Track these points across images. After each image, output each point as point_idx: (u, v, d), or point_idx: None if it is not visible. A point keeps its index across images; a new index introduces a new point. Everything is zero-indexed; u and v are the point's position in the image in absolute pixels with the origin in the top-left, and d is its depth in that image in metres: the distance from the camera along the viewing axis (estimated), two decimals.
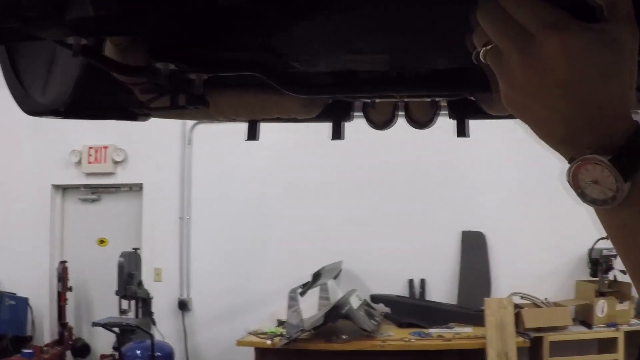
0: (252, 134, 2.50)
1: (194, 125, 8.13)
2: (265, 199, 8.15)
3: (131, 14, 1.36)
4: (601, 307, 7.54)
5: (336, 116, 2.44)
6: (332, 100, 2.23)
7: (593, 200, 0.81)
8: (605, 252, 7.75)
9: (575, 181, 0.81)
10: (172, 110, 1.72)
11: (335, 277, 7.65)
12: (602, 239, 7.75)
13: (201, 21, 1.46)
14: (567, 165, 0.81)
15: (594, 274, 7.95)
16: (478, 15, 0.83)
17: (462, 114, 2.38)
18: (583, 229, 7.94)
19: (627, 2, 0.80)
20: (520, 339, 7.02)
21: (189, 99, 1.69)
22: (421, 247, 8.05)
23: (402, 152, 7.67)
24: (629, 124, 0.78)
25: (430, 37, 1.50)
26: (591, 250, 7.91)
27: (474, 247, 8.18)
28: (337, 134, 2.50)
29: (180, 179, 8.36)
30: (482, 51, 0.85)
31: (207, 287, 8.16)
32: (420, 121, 2.41)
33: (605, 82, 0.77)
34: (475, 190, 8.23)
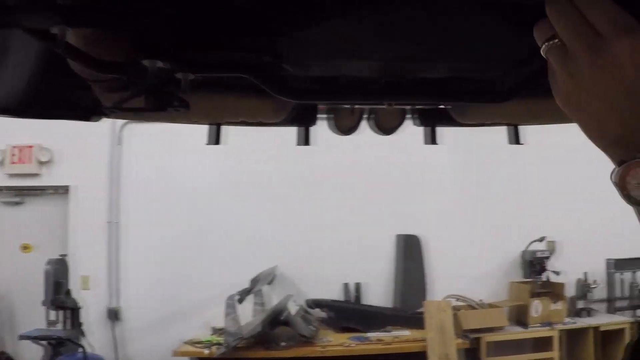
0: (215, 138, 2.44)
1: (124, 124, 7.74)
2: (200, 203, 7.87)
3: (129, 3, 1.27)
4: (536, 307, 7.74)
5: (303, 121, 2.39)
6: (298, 105, 2.16)
7: (639, 203, 0.83)
8: (538, 254, 8.02)
9: (622, 183, 0.83)
10: (144, 112, 1.56)
11: (269, 283, 7.49)
12: (535, 241, 7.88)
13: (203, 19, 1.36)
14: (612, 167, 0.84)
15: (527, 275, 8.15)
16: (548, 11, 0.84)
17: (433, 122, 2.42)
18: (516, 231, 8.18)
19: None
20: (460, 340, 7.07)
21: (169, 100, 1.55)
22: (356, 251, 7.99)
23: (337, 156, 7.57)
24: None
25: (426, 46, 1.51)
26: (525, 252, 8.14)
27: (409, 250, 8.16)
28: (305, 140, 2.47)
29: (109, 181, 7.94)
30: (544, 47, 0.86)
31: (138, 294, 7.79)
32: (387, 128, 2.43)
33: None
34: (410, 194, 8.23)
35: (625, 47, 0.78)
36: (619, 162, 0.84)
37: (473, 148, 7.62)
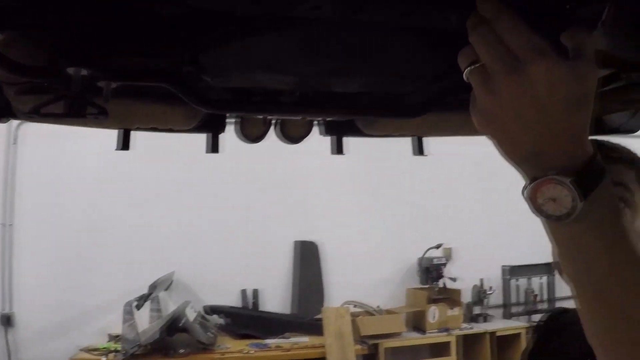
0: (125, 144, 2.37)
1: (20, 123, 7.55)
2: (98, 207, 7.82)
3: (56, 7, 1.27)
4: (433, 313, 7.98)
5: (213, 128, 2.39)
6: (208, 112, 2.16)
7: (549, 216, 0.93)
8: (435, 261, 8.21)
9: (533, 197, 0.93)
10: (63, 117, 1.54)
11: (166, 289, 7.51)
12: (431, 248, 8.15)
13: (129, 27, 1.39)
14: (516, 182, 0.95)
15: (424, 281, 8.37)
16: (471, 38, 0.93)
17: (340, 132, 2.46)
18: (413, 238, 8.37)
19: (591, 45, 0.93)
20: (359, 346, 7.26)
21: (88, 107, 1.53)
22: (254, 257, 8.07)
23: (235, 161, 7.58)
24: (588, 149, 0.92)
25: (344, 63, 1.58)
26: (422, 258, 8.33)
27: (307, 256, 8.30)
28: (214, 147, 2.44)
29: (4, 181, 7.77)
30: (467, 70, 0.95)
31: (33, 300, 7.64)
32: (295, 137, 2.43)
33: (575, 110, 0.90)
34: (308, 201, 8.36)
35: (541, 69, 0.87)
36: (531, 179, 0.93)
37: (371, 155, 7.82)
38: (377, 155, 7.39)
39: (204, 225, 8.01)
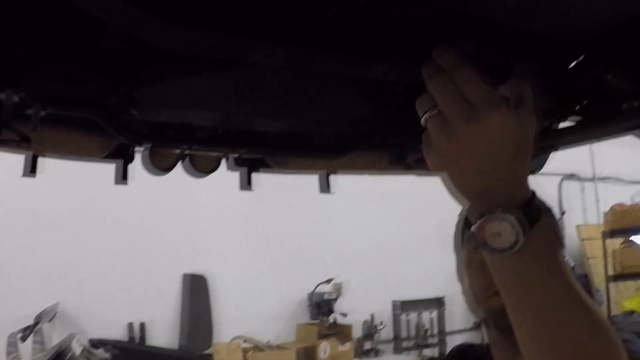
0: (33, 169, 2.17)
1: None
2: None
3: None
4: (324, 349, 8.18)
5: (123, 157, 2.30)
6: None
7: (493, 250, 1.01)
8: (326, 296, 8.46)
9: (480, 233, 1.01)
10: None
11: (50, 320, 7.47)
12: (322, 283, 8.42)
13: (66, 56, 1.40)
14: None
15: (315, 316, 8.59)
16: (430, 86, 1.03)
17: (251, 167, 2.48)
18: (304, 273, 8.52)
19: (530, 96, 1.04)
20: None
21: (8, 133, 1.49)
22: (141, 290, 8.07)
23: (124, 192, 7.58)
24: (529, 189, 1.04)
25: (270, 104, 1.69)
26: (312, 293, 8.57)
27: (196, 290, 8.36)
28: (124, 177, 2.35)
29: None
30: (425, 115, 1.03)
31: None
32: (204, 170, 2.43)
33: (519, 155, 1.01)
34: (197, 234, 8.44)
35: (495, 118, 0.97)
36: (478, 215, 1.02)
37: (260, 188, 7.93)
38: (267, 189, 7.49)
39: (90, 255, 7.95)
